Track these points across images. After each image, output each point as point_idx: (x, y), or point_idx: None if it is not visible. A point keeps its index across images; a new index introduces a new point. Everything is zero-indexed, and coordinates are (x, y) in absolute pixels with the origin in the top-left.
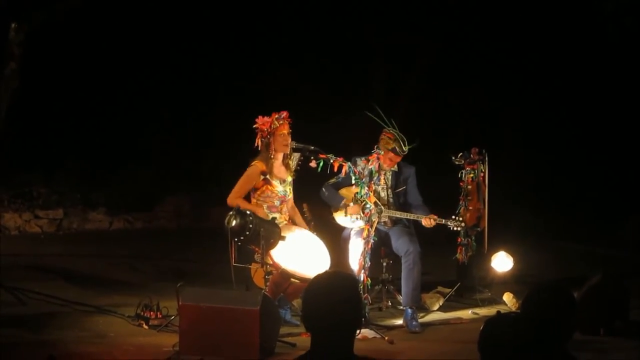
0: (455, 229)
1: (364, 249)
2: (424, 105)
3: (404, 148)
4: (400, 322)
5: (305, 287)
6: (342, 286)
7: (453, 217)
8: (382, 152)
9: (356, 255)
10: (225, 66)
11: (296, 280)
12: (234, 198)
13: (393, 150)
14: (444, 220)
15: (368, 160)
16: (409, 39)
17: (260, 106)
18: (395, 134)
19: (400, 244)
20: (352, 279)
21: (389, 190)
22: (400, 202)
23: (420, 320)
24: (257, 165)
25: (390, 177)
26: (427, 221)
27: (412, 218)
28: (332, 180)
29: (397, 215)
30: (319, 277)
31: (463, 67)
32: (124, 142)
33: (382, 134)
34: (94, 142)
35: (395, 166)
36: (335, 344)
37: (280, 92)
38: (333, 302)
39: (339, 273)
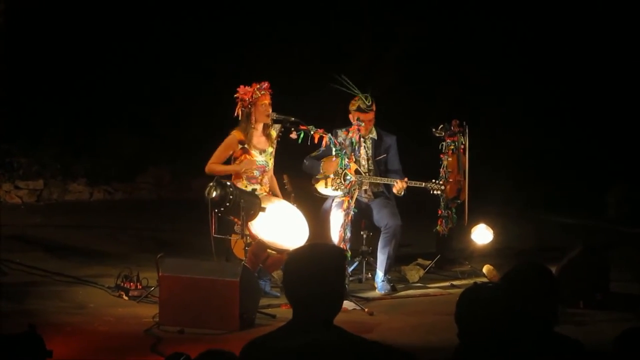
0: (434, 192)
1: (344, 220)
2: (406, 77)
3: (367, 103)
4: (379, 293)
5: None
6: (322, 259)
7: (433, 180)
8: (362, 124)
9: (336, 227)
10: (208, 35)
11: (274, 252)
12: (211, 164)
13: (359, 110)
14: (424, 184)
15: (348, 132)
16: (394, 10)
17: (242, 77)
18: (359, 96)
19: (382, 217)
20: (335, 253)
21: (370, 160)
22: (380, 170)
23: (400, 293)
24: (235, 134)
25: (370, 146)
26: (398, 185)
27: (387, 182)
28: (314, 154)
29: (377, 181)
30: (301, 248)
31: (446, 37)
32: (105, 112)
33: (349, 103)
34: (75, 112)
35: (375, 133)
36: (314, 315)
37: (262, 63)
38: (311, 273)
39: (323, 245)
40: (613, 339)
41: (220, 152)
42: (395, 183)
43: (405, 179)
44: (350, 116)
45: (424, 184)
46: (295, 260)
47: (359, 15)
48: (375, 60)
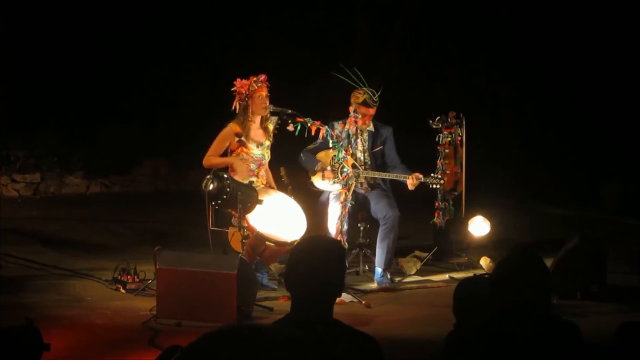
0: (433, 186)
1: (342, 213)
2: (404, 69)
3: (374, 98)
4: (377, 285)
5: (283, 250)
6: (327, 251)
7: (432, 174)
8: (360, 116)
9: (334, 219)
10: (205, 27)
11: (271, 244)
12: (208, 157)
13: (364, 103)
14: (423, 178)
15: (345, 124)
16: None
17: (239, 68)
18: (365, 89)
19: (379, 208)
20: (338, 245)
21: (366, 153)
22: (377, 163)
23: (397, 285)
24: (232, 126)
25: (367, 138)
26: (412, 180)
27: (392, 178)
28: (310, 146)
29: (376, 176)
30: (306, 239)
31: (443, 28)
32: (102, 105)
33: (351, 94)
34: (72, 105)
35: (372, 126)
36: (314, 308)
37: (259, 55)
38: (316, 265)
39: (326, 238)
40: (613, 333)
41: (216, 145)
42: (407, 181)
43: (417, 175)
44: (350, 108)
45: (423, 178)
46: (297, 252)
47: (358, 7)
48: (373, 52)
